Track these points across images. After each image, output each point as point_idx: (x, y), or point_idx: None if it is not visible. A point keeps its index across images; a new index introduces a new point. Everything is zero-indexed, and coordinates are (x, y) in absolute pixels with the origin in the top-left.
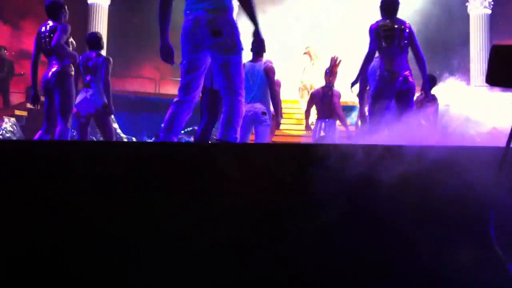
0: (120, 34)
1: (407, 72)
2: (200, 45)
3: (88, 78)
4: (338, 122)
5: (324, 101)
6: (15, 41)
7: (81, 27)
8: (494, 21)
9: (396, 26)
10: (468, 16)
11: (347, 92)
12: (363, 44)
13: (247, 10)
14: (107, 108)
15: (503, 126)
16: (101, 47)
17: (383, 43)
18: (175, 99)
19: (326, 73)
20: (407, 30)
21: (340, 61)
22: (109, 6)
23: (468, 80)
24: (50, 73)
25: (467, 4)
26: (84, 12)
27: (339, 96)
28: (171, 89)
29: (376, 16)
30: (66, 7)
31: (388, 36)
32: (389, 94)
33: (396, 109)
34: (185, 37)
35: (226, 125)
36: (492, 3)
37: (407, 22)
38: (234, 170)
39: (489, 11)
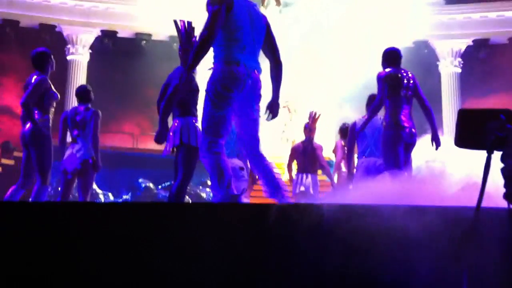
0: (99, 89)
1: (411, 125)
2: (243, 97)
3: (75, 132)
4: (319, 174)
5: (305, 155)
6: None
7: (60, 83)
8: (465, 79)
9: (401, 76)
10: (439, 74)
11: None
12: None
13: (275, 74)
14: (95, 164)
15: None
16: (90, 100)
17: (389, 93)
18: (215, 150)
19: (305, 127)
20: (412, 81)
21: (319, 116)
22: (88, 62)
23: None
24: (26, 127)
25: (438, 63)
26: (63, 68)
27: (321, 148)
28: (151, 144)
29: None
30: (52, 56)
31: (394, 86)
32: (396, 146)
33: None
34: (232, 82)
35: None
36: (462, 62)
37: (410, 73)
38: (202, 229)
39: (459, 70)
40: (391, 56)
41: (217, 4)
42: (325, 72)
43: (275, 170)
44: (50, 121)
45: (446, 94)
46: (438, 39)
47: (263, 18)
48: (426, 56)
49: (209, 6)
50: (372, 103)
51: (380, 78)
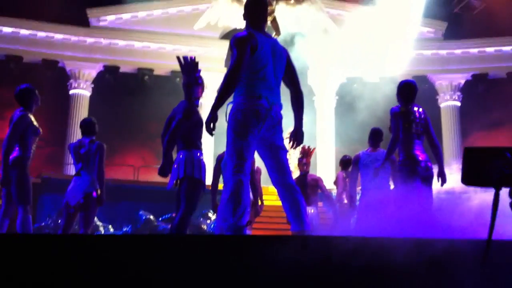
0: (101, 123)
1: (426, 158)
2: (266, 128)
3: (79, 166)
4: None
5: (304, 188)
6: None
7: (62, 117)
8: (464, 113)
9: (413, 112)
10: (439, 108)
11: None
12: None
13: (296, 103)
14: (99, 198)
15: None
16: (94, 133)
17: (402, 129)
18: (240, 175)
19: (299, 162)
20: (423, 116)
21: (313, 149)
22: (90, 96)
23: None
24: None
25: (437, 97)
26: (65, 103)
27: (320, 179)
28: (154, 177)
29: None
30: (36, 92)
31: (407, 122)
32: (412, 180)
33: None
34: (254, 114)
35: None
36: (462, 96)
37: (421, 108)
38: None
39: (459, 104)
40: (405, 90)
41: (242, 44)
42: (320, 104)
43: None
44: (31, 157)
45: (446, 128)
46: (437, 74)
47: (284, 52)
48: (426, 90)
49: (234, 46)
50: (376, 138)
51: (394, 114)
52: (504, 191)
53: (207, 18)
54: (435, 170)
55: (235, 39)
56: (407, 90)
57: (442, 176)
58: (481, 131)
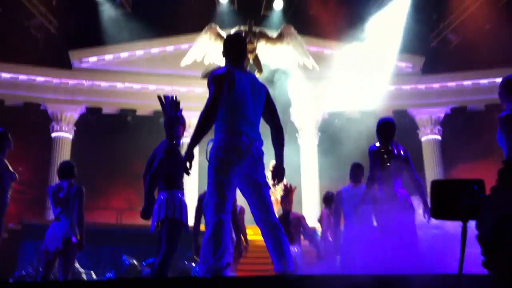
0: (84, 166)
1: (405, 194)
2: (247, 165)
3: (58, 210)
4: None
5: (288, 227)
6: None
7: (45, 160)
8: (445, 147)
9: (392, 149)
10: (420, 142)
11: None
12: None
13: (277, 139)
14: (79, 243)
15: None
16: (73, 176)
17: (381, 167)
18: (221, 214)
19: (281, 200)
20: (403, 154)
21: (295, 187)
22: (73, 138)
23: None
24: None
25: (418, 131)
26: (47, 146)
27: (304, 217)
28: (138, 219)
29: None
30: (9, 135)
31: (386, 159)
32: (393, 216)
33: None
34: (235, 151)
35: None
36: (442, 129)
37: (401, 146)
38: None
39: (439, 137)
40: (383, 129)
41: (219, 81)
42: (303, 141)
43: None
44: (7, 204)
45: (428, 162)
46: (417, 108)
47: (264, 88)
48: (407, 124)
49: (211, 83)
50: (357, 173)
51: (371, 153)
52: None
53: (193, 55)
54: (420, 206)
55: (212, 77)
56: (386, 128)
57: (427, 213)
58: (463, 163)
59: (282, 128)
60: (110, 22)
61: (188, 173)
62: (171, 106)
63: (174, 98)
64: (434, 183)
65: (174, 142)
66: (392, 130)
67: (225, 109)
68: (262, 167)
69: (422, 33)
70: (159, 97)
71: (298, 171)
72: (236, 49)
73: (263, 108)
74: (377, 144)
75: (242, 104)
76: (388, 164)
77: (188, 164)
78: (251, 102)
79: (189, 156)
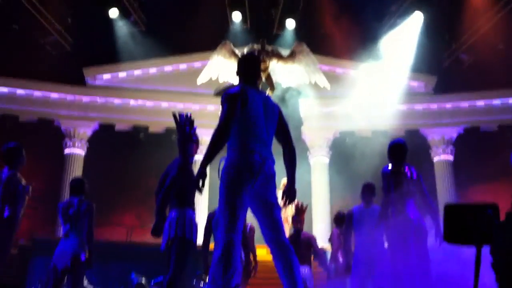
0: (97, 182)
1: (418, 216)
2: (259, 184)
3: (67, 227)
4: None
5: (298, 247)
6: None
7: (57, 176)
8: (458, 167)
9: (405, 172)
10: (433, 162)
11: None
12: None
13: (289, 160)
14: (88, 261)
15: None
16: (83, 192)
17: (394, 189)
18: (232, 234)
19: (293, 219)
20: (415, 177)
21: (306, 207)
22: (85, 155)
23: None
24: None
25: (430, 151)
26: (60, 162)
27: (314, 238)
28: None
29: None
30: (23, 151)
31: (399, 182)
32: (405, 238)
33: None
34: (247, 169)
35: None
36: (454, 150)
37: (413, 168)
38: None
39: (452, 158)
40: (395, 151)
41: (232, 100)
42: (314, 159)
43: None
44: (20, 220)
45: (441, 182)
46: (429, 128)
47: (276, 107)
48: (419, 144)
49: (224, 102)
50: (368, 193)
51: (384, 175)
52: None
53: (207, 73)
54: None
55: (226, 95)
56: (397, 150)
57: (439, 237)
58: (476, 184)
59: (294, 149)
60: (124, 40)
61: (200, 191)
62: (185, 124)
63: (189, 116)
64: (448, 207)
65: (187, 159)
66: (404, 152)
67: (237, 127)
68: (273, 186)
69: (434, 53)
70: (174, 115)
71: (309, 190)
72: (250, 68)
73: (276, 127)
74: (390, 166)
75: (254, 123)
76: (401, 186)
77: (200, 182)
78: (263, 121)
79: (202, 174)
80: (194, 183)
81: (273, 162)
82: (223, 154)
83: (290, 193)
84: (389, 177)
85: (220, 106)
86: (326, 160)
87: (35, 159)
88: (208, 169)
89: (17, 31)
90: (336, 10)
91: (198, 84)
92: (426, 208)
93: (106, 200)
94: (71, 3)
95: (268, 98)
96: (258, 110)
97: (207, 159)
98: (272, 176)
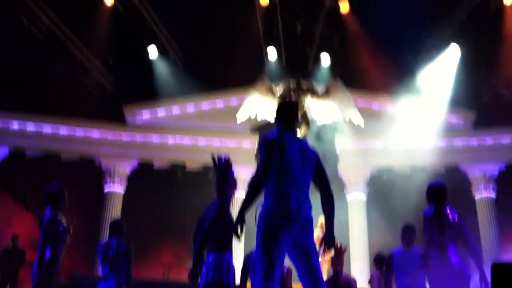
0: (135, 219)
1: (460, 261)
2: (296, 231)
3: (106, 269)
4: None
5: None
6: (35, 228)
7: (97, 214)
8: (501, 205)
9: (446, 214)
10: (474, 200)
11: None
12: None
13: (327, 206)
14: None
15: None
16: (122, 234)
17: (435, 232)
18: (270, 282)
19: (332, 261)
20: (457, 220)
21: (345, 248)
22: (124, 192)
23: None
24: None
25: (471, 188)
26: (100, 200)
27: (355, 281)
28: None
29: None
30: (65, 192)
31: (441, 225)
32: (447, 283)
33: None
34: (284, 215)
35: None
36: (496, 187)
37: (455, 210)
38: None
39: (494, 195)
40: (435, 193)
41: (270, 146)
42: (351, 197)
43: None
44: (60, 260)
45: (483, 221)
46: (469, 164)
47: (313, 153)
48: (459, 181)
49: (262, 148)
50: (409, 234)
51: (427, 218)
52: None
53: (247, 111)
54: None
55: (264, 140)
56: (437, 192)
57: (484, 282)
58: None
59: (332, 195)
60: (162, 79)
61: (238, 238)
62: (223, 167)
63: (227, 158)
64: (495, 267)
65: (225, 203)
66: (444, 194)
67: (275, 173)
68: (311, 232)
69: (473, 87)
70: (213, 158)
71: (346, 228)
72: (288, 114)
73: (313, 172)
74: (431, 208)
75: (291, 169)
76: (443, 230)
77: (240, 229)
78: (300, 167)
79: (240, 220)
80: (232, 229)
81: (310, 208)
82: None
83: (328, 241)
84: (431, 220)
85: (256, 143)
86: (364, 198)
87: (76, 198)
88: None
89: (61, 73)
90: (371, 45)
91: (238, 122)
92: (469, 253)
93: (144, 238)
94: (113, 44)
95: (305, 143)
96: (295, 155)
97: (245, 206)
98: (309, 222)
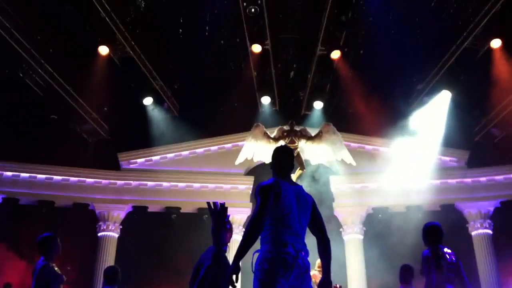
0: (130, 264)
1: None
2: (294, 278)
3: None
4: None
5: None
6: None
7: (91, 259)
8: (497, 242)
9: (444, 254)
10: (471, 237)
11: None
12: None
13: (323, 251)
14: None
15: None
16: (117, 282)
17: (434, 273)
18: None
19: None
20: (455, 260)
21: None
22: (118, 237)
23: None
24: None
25: (467, 225)
26: (94, 245)
27: None
28: None
29: None
30: (58, 240)
31: (439, 266)
32: None
33: None
34: (280, 263)
35: None
36: (492, 223)
37: (451, 250)
38: None
39: (490, 231)
40: (432, 233)
41: (265, 193)
42: (348, 236)
43: None
44: None
45: (480, 258)
46: (464, 202)
47: (309, 199)
48: (455, 219)
49: (258, 194)
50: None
51: (426, 259)
52: None
53: (244, 154)
54: None
55: (259, 187)
56: (434, 233)
57: None
58: None
59: (329, 240)
60: (158, 125)
61: (234, 287)
62: (219, 213)
63: (223, 204)
64: None
65: (220, 249)
66: (441, 234)
67: (270, 219)
68: (308, 279)
69: (465, 128)
70: (208, 204)
71: (343, 268)
72: (283, 161)
73: (309, 218)
74: (429, 249)
75: (287, 215)
76: (442, 271)
77: (234, 277)
78: (296, 213)
79: (235, 269)
80: (227, 278)
81: (306, 254)
82: (256, 246)
83: (325, 285)
84: (429, 261)
85: (251, 184)
86: (360, 237)
87: (70, 244)
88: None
89: (55, 120)
90: (363, 89)
91: (236, 164)
92: None
93: (138, 281)
94: (108, 92)
95: (301, 189)
96: (290, 202)
97: (240, 253)
98: (306, 269)
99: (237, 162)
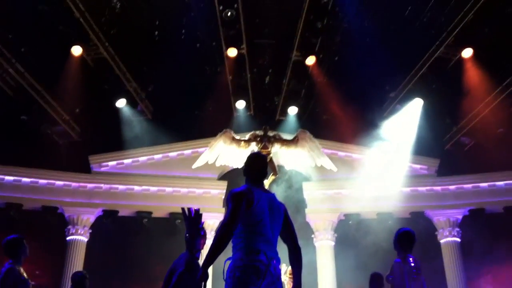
0: (99, 269)
1: None
2: (266, 285)
3: None
4: None
5: None
6: None
7: (59, 263)
8: (465, 249)
9: (415, 261)
10: (439, 244)
11: None
12: None
13: (295, 259)
14: None
15: None
16: (85, 287)
17: (407, 281)
18: None
19: None
20: (419, 271)
21: None
22: (88, 241)
23: None
24: None
25: (436, 233)
26: (62, 249)
27: None
28: None
29: None
30: (24, 242)
31: (410, 272)
32: None
33: None
34: (252, 270)
35: None
36: (460, 231)
37: (417, 260)
38: None
39: (458, 239)
40: (405, 239)
41: (237, 199)
42: (319, 242)
43: None
44: None
45: (448, 265)
46: (434, 210)
47: (281, 207)
48: (425, 227)
49: (230, 200)
50: (377, 284)
51: (397, 265)
52: None
53: (205, 158)
54: None
55: (231, 194)
56: (407, 239)
57: None
58: (486, 266)
59: (299, 249)
60: (130, 128)
61: None
62: (193, 219)
63: (197, 211)
64: None
65: (194, 255)
66: (413, 241)
67: (242, 227)
68: (280, 286)
69: (436, 136)
70: (183, 210)
71: (315, 273)
72: (256, 168)
73: (281, 226)
74: (400, 255)
75: (259, 222)
76: (411, 278)
77: (203, 284)
78: (268, 220)
79: (204, 276)
80: (196, 285)
81: (278, 262)
82: (228, 254)
83: None
84: (401, 268)
85: (224, 190)
86: (332, 243)
87: (39, 246)
88: (210, 268)
89: (25, 121)
90: (337, 95)
91: (193, 168)
92: None
93: (108, 286)
94: (80, 94)
95: (273, 197)
96: (263, 209)
97: (209, 260)
98: (278, 277)
99: (194, 166)
